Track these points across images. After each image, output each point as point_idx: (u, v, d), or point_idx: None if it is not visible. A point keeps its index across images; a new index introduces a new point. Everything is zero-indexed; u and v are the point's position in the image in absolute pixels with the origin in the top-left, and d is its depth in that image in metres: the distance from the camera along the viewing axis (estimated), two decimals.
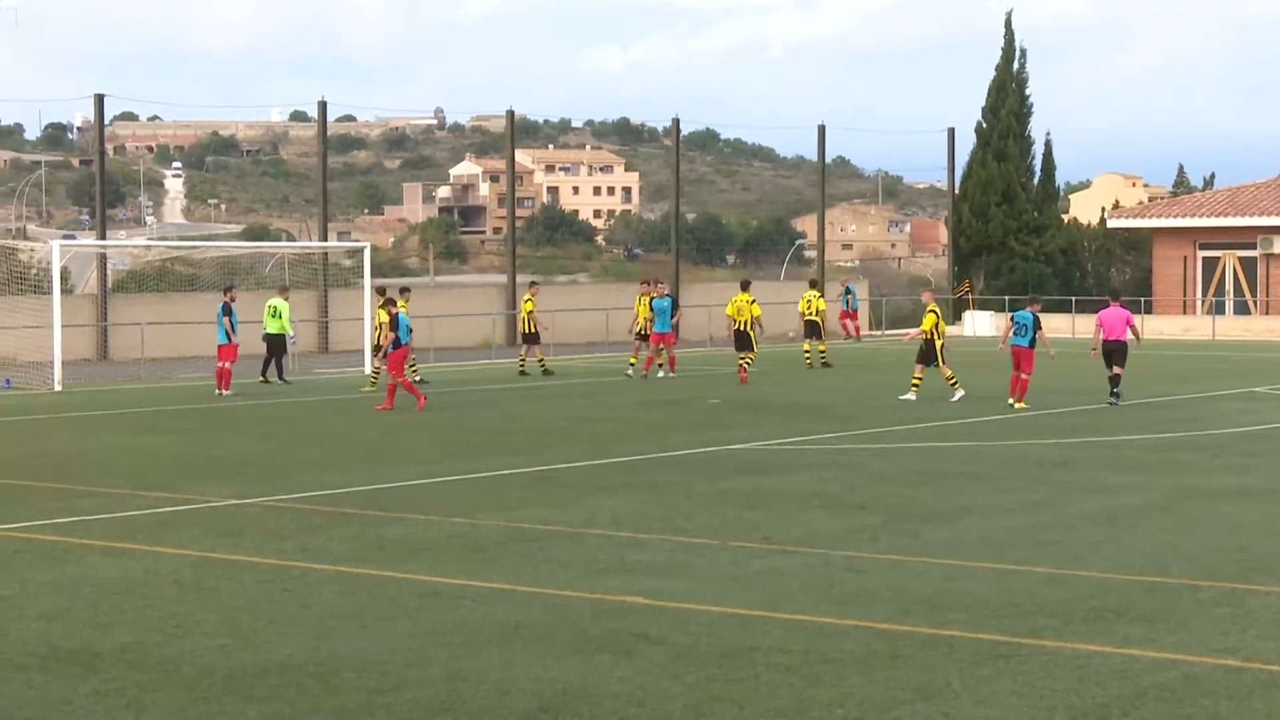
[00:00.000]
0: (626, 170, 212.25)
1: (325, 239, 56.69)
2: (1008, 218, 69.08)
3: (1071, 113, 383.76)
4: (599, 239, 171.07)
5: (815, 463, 22.39)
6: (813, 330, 42.88)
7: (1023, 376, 30.92)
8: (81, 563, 14.99)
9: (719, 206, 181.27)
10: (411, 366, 38.09)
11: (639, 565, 14.69)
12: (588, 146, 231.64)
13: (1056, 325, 62.20)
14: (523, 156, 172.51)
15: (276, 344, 37.96)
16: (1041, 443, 24.60)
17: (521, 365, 40.77)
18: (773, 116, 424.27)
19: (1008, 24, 70.90)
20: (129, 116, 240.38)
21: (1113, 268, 74.40)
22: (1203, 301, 64.45)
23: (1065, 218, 79.28)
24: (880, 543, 15.82)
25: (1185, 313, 63.90)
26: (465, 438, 26.35)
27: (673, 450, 23.87)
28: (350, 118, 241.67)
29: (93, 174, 59.22)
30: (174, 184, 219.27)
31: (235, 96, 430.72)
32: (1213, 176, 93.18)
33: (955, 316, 66.34)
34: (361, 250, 46.20)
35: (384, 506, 18.32)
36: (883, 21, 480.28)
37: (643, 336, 40.07)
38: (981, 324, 62.91)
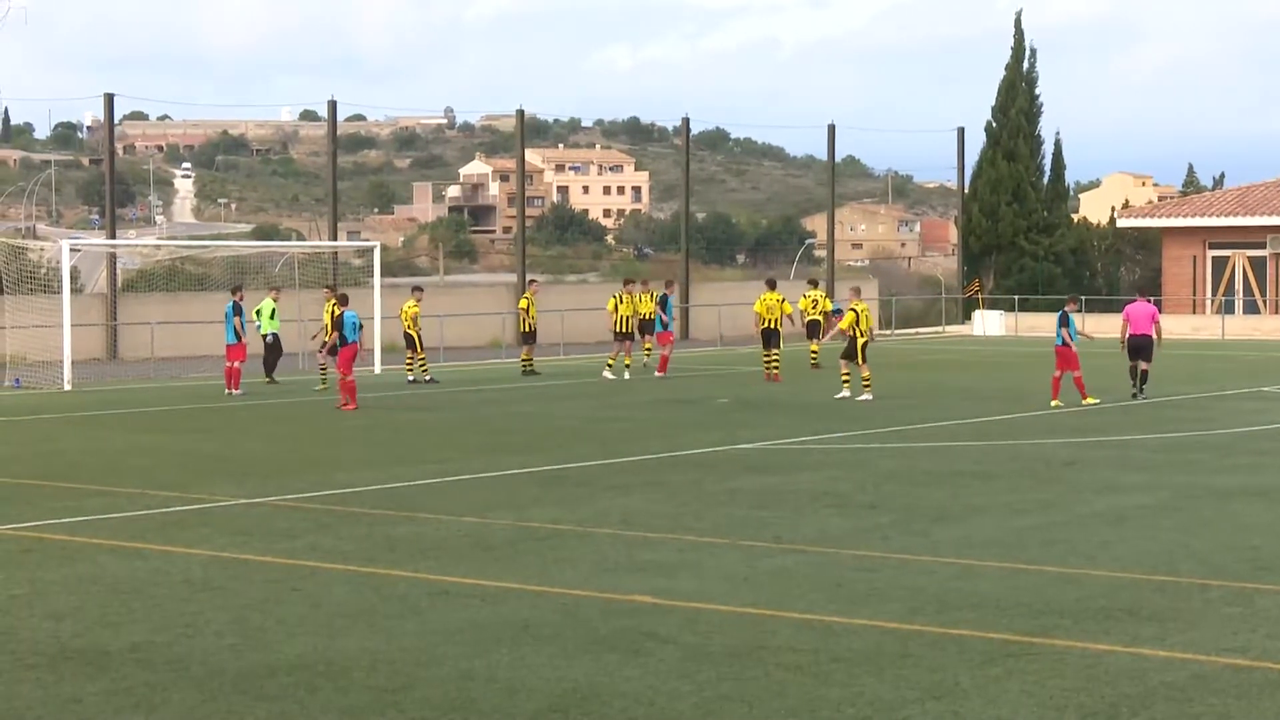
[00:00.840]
0: (636, 170, 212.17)
1: (335, 238, 56.73)
2: (1017, 217, 69.04)
3: (1081, 112, 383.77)
4: (609, 238, 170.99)
5: (825, 462, 22.38)
6: (815, 330, 42.51)
7: (1070, 374, 30.59)
8: (91, 562, 15.01)
9: (729, 206, 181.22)
10: (422, 366, 38.19)
11: (649, 564, 14.69)
12: (598, 146, 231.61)
13: None
14: (533, 156, 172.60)
15: (273, 344, 37.83)
16: (1051, 442, 24.58)
17: (527, 364, 40.73)
18: (783, 116, 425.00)
19: (1017, 23, 70.91)
20: (139, 116, 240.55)
21: (1122, 267, 74.32)
22: (1212, 301, 64.37)
23: (1075, 217, 79.25)
24: (890, 542, 15.81)
25: (1195, 312, 63.82)
26: (475, 437, 26.35)
27: (682, 449, 23.86)
28: (360, 117, 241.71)
29: (102, 173, 59.28)
30: (184, 183, 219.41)
31: (245, 96, 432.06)
32: (1222, 176, 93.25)
33: (965, 316, 66.36)
34: (371, 250, 46.20)
35: (394, 506, 18.33)
36: (893, 21, 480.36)
37: (622, 336, 39.65)
38: (991, 324, 62.86)
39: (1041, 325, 62.94)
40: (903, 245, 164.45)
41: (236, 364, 34.91)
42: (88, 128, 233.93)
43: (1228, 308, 63.08)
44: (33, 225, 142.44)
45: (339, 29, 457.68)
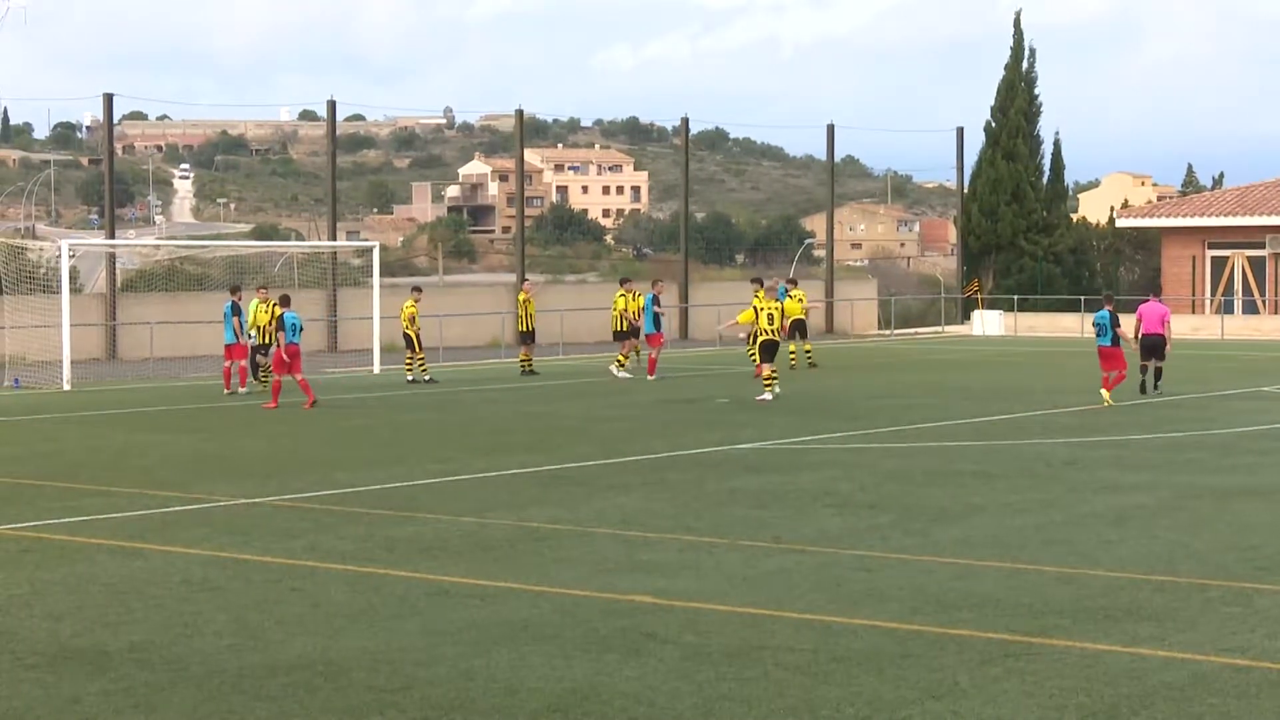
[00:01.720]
0: (636, 169, 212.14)
1: (334, 238, 56.75)
2: (1017, 217, 69.06)
3: (1080, 112, 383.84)
4: (608, 238, 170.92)
5: (824, 462, 22.38)
6: (799, 329, 42.10)
7: (1115, 374, 30.47)
8: (91, 562, 15.01)
9: (728, 206, 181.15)
10: (421, 366, 38.18)
11: (648, 564, 14.69)
12: (597, 146, 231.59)
13: (1065, 325, 62.42)
14: (532, 156, 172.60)
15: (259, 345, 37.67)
16: (1051, 442, 24.58)
17: (525, 364, 40.70)
18: (782, 116, 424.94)
19: (1017, 23, 70.93)
20: (138, 116, 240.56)
21: (1121, 267, 74.34)
22: (1211, 301, 64.38)
23: (1074, 217, 79.25)
24: (890, 542, 15.82)
25: (1194, 312, 63.81)
26: (474, 437, 26.35)
27: (682, 449, 23.86)
28: (360, 117, 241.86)
29: (101, 173, 59.26)
30: (183, 183, 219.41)
31: (244, 96, 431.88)
32: (1222, 176, 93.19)
33: (964, 316, 66.39)
34: (371, 250, 46.20)
35: (393, 506, 18.33)
36: (893, 21, 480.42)
37: (620, 335, 39.61)
38: (990, 323, 62.89)
39: (1040, 325, 63.09)
40: (902, 245, 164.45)
41: (240, 364, 34.92)
42: (87, 127, 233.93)
43: (1227, 308, 63.10)
44: (32, 225, 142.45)
45: (339, 29, 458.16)
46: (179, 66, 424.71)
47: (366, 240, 69.97)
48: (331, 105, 54.11)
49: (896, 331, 63.68)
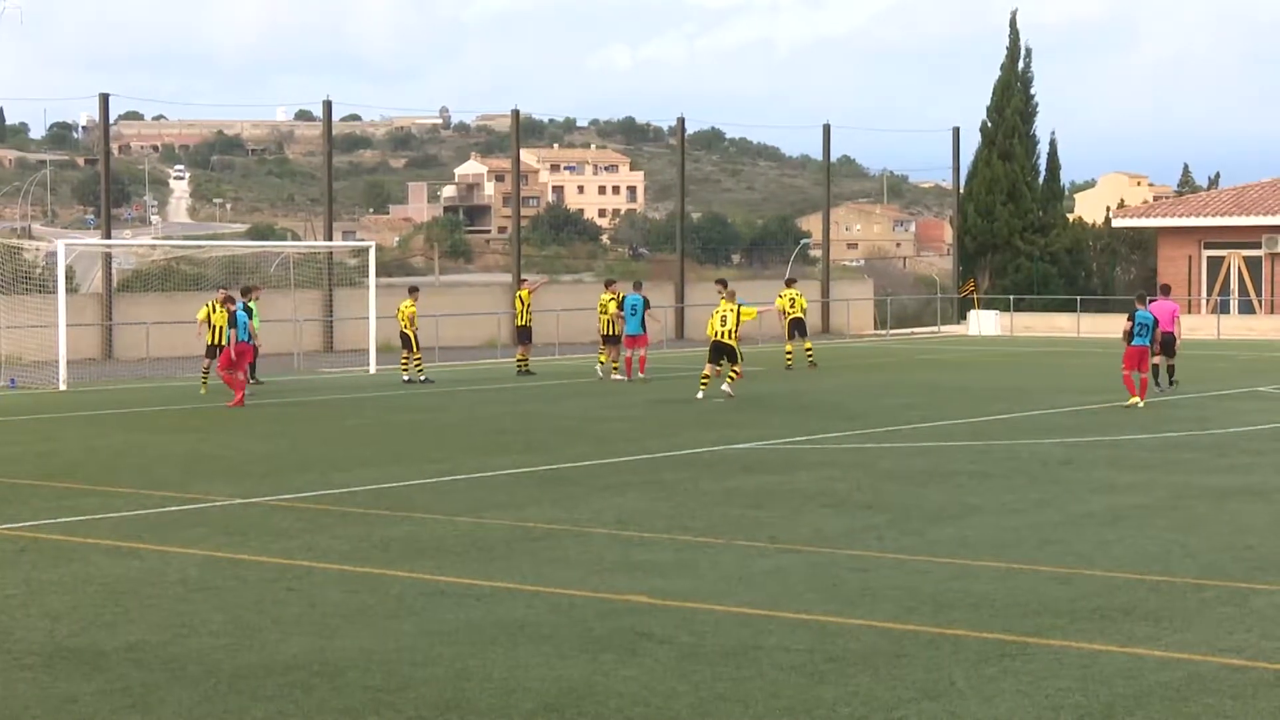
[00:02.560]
0: (631, 169, 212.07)
1: (330, 238, 56.66)
2: (1013, 217, 69.04)
3: (1076, 112, 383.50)
4: (604, 238, 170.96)
5: (821, 462, 22.38)
6: (797, 328, 41.89)
7: (1141, 376, 30.33)
8: (87, 562, 15.01)
9: (724, 206, 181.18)
10: (418, 366, 38.17)
11: (645, 564, 14.69)
12: (593, 146, 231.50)
13: (1061, 325, 62.45)
14: (528, 156, 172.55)
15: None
16: (1047, 442, 24.59)
17: (522, 364, 40.67)
18: (778, 116, 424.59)
19: (1012, 23, 70.93)
20: (134, 116, 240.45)
21: (1118, 267, 74.36)
22: (1207, 301, 64.41)
23: (1070, 217, 79.20)
24: (886, 542, 15.82)
25: (1190, 312, 63.68)
26: (471, 437, 26.35)
27: (679, 449, 23.86)
28: (356, 117, 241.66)
29: (98, 173, 59.30)
30: (179, 183, 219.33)
31: (240, 96, 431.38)
32: (1218, 176, 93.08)
33: (960, 316, 66.40)
34: (367, 249, 46.19)
35: (390, 506, 18.33)
36: (888, 21, 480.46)
37: (606, 339, 38.97)
38: (986, 323, 62.91)
39: (1036, 325, 63.09)
40: (898, 245, 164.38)
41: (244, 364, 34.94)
42: (83, 127, 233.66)
43: (1223, 307, 63.11)
44: (28, 225, 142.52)
45: (335, 29, 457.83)
46: (175, 66, 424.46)
47: (362, 240, 69.99)
48: (327, 105, 54.08)
49: (892, 331, 63.69)
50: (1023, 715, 9.84)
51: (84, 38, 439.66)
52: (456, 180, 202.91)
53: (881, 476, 20.70)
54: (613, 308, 38.68)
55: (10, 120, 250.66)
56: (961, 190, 71.03)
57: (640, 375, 37.82)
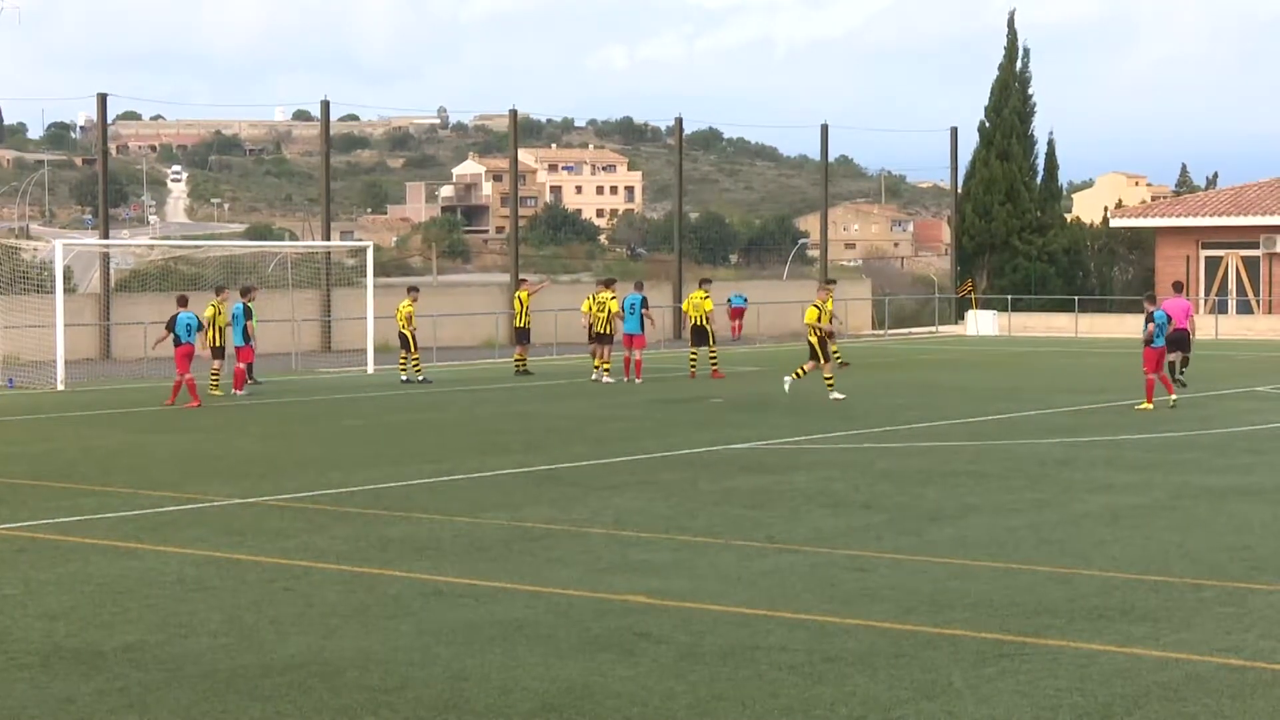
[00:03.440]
0: (629, 169, 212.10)
1: (328, 238, 56.64)
2: (1011, 217, 69.03)
3: (1075, 112, 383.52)
4: (602, 238, 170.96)
5: (819, 462, 22.38)
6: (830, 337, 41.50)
7: (1164, 375, 30.20)
8: (85, 562, 15.00)
9: (722, 206, 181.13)
10: (416, 366, 38.16)
11: (642, 564, 14.69)
12: (591, 146, 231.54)
13: (1059, 325, 62.47)
14: (526, 156, 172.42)
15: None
16: (1045, 442, 24.59)
17: (520, 364, 40.65)
18: (776, 116, 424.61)
19: (1010, 23, 70.93)
20: (132, 116, 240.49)
21: (1115, 267, 74.35)
22: (1205, 301, 64.41)
23: (1068, 217, 79.23)
24: (884, 542, 15.82)
25: None
26: (469, 437, 26.35)
27: (677, 449, 23.86)
28: (354, 117, 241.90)
29: (96, 173, 59.27)
30: (177, 183, 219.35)
31: (238, 96, 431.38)
32: (1216, 176, 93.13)
33: (958, 316, 66.40)
34: (365, 250, 46.17)
35: (388, 505, 18.32)
36: (887, 21, 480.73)
37: (600, 338, 38.44)
38: (985, 323, 62.92)
39: (1035, 325, 63.11)
40: (896, 245, 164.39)
41: (242, 365, 34.93)
42: (81, 127, 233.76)
43: (1221, 308, 63.13)
44: (26, 225, 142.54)
45: (333, 29, 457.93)
46: (173, 66, 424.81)
47: (360, 240, 69.97)
48: (325, 105, 54.06)
49: (891, 331, 63.69)
50: (1020, 715, 9.83)
51: (82, 38, 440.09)
52: (454, 180, 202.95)
53: (879, 476, 20.70)
54: (614, 307, 38.60)
55: (8, 120, 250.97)
56: (959, 190, 71.03)
57: (636, 380, 37.56)
